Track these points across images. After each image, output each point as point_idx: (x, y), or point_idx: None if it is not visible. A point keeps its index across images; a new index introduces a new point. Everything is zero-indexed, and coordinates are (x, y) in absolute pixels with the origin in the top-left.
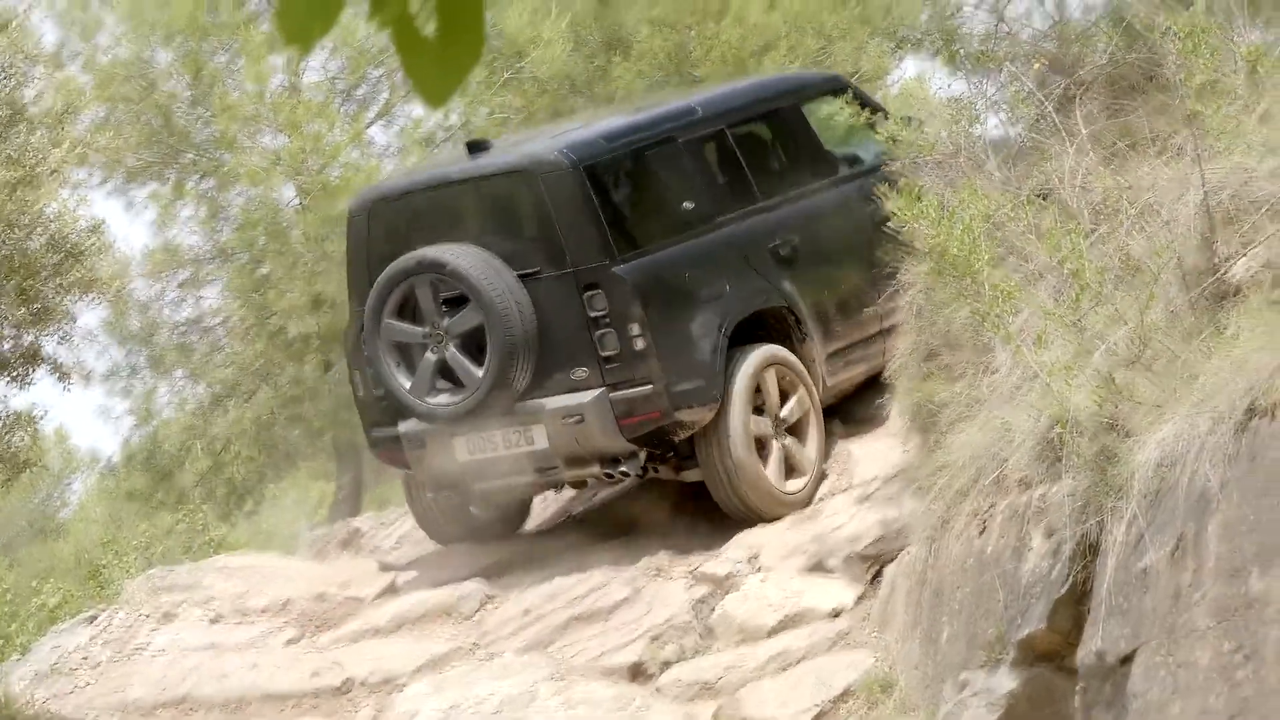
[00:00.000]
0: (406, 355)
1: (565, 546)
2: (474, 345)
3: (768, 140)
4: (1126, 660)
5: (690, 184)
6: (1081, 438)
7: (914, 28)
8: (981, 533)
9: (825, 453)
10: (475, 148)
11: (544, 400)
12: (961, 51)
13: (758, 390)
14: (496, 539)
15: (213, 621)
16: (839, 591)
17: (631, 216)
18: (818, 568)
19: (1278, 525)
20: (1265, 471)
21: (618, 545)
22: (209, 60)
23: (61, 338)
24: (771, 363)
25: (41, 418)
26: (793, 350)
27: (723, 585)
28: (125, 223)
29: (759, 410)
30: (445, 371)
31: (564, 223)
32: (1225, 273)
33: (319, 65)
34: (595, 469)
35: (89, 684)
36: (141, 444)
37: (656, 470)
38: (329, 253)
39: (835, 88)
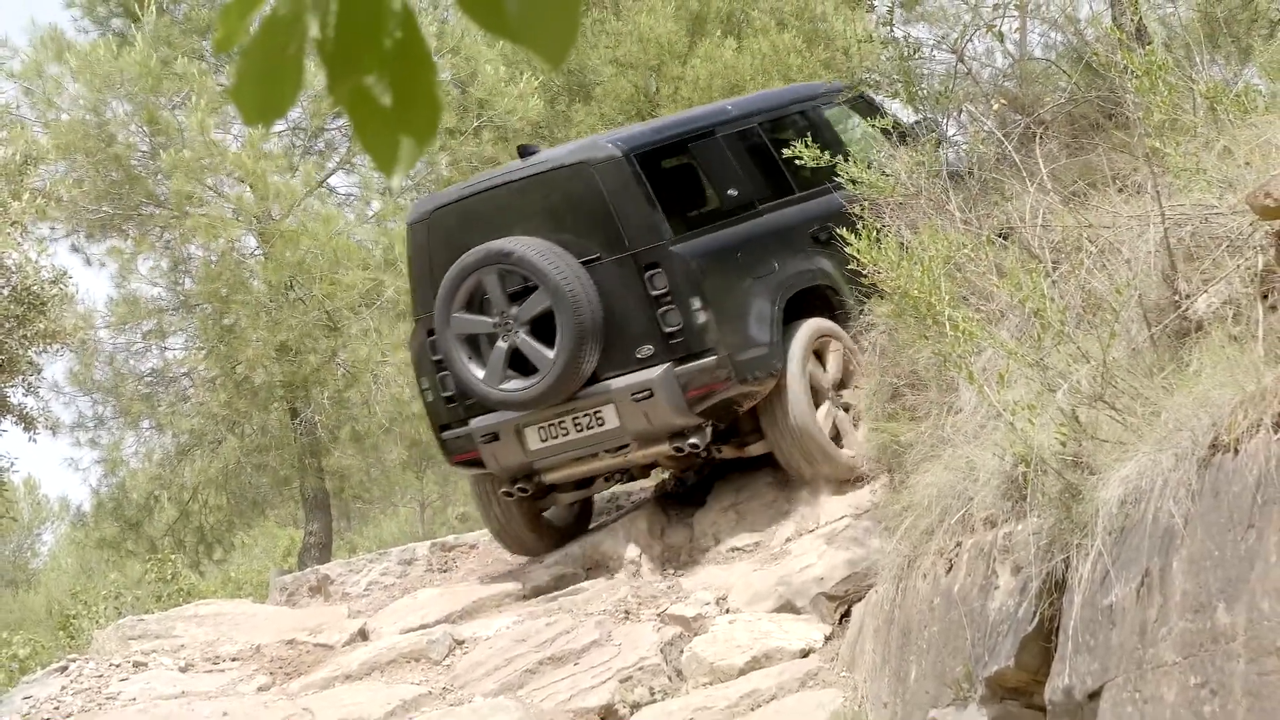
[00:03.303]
0: (476, 347)
1: (533, 590)
2: (543, 330)
3: (800, 138)
4: (1094, 696)
5: (733, 174)
6: (1046, 476)
7: (874, 69)
8: (948, 571)
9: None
10: (525, 151)
11: (612, 380)
12: (922, 91)
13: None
14: (571, 540)
15: (183, 669)
16: (807, 631)
17: (683, 202)
18: (786, 608)
19: (1242, 560)
20: (1229, 506)
21: (586, 588)
22: (164, 112)
23: (27, 388)
24: (823, 334)
25: (9, 468)
26: None
27: (691, 626)
28: (89, 275)
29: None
30: (516, 360)
31: (620, 208)
32: (1187, 309)
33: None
34: (665, 446)
35: None
36: (110, 494)
37: (720, 450)
38: (292, 300)
39: (856, 96)
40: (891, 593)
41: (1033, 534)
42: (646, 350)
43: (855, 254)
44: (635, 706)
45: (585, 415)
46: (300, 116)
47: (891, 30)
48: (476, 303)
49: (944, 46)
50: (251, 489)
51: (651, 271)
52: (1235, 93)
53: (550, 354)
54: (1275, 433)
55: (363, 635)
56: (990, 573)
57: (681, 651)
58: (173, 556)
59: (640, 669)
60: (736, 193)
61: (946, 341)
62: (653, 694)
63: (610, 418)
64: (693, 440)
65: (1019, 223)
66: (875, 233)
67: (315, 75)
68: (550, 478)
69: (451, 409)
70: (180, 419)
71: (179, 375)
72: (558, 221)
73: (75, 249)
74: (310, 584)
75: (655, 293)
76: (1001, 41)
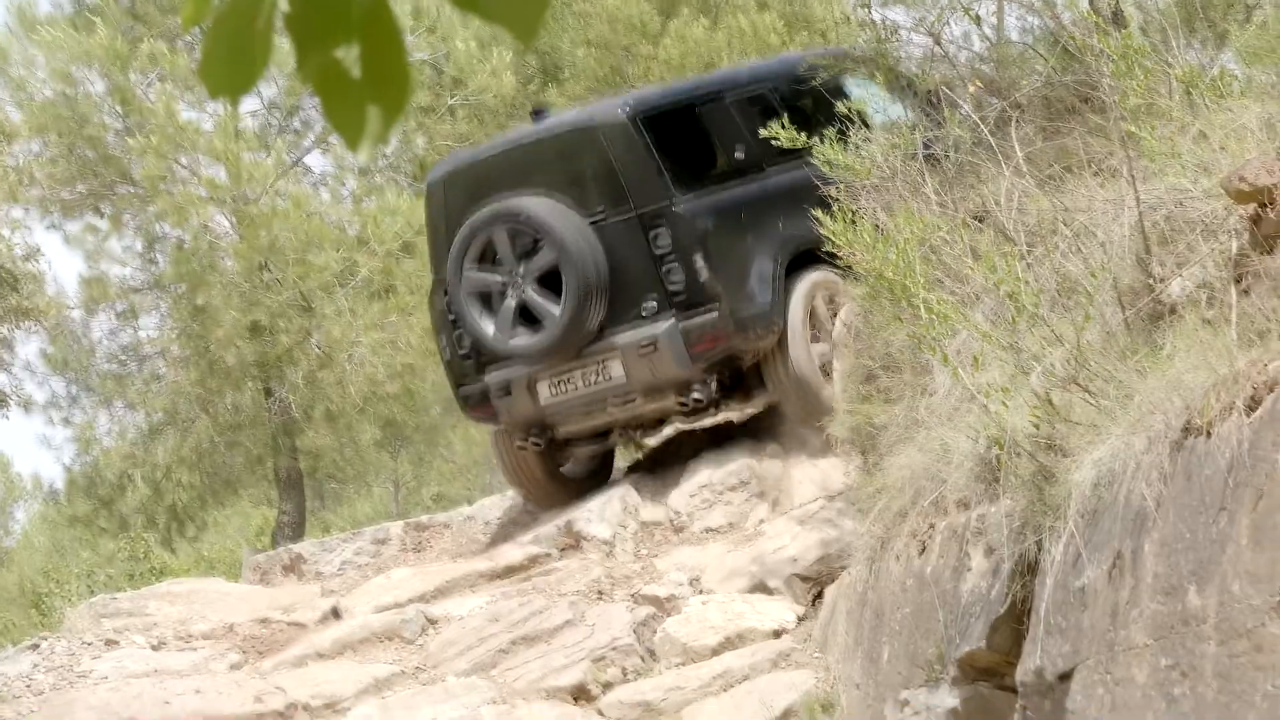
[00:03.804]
0: (488, 302)
1: (507, 570)
2: (551, 286)
3: (807, 102)
4: (1065, 678)
5: (740, 137)
6: (1019, 458)
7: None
8: (921, 553)
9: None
10: (538, 114)
11: (618, 335)
12: (898, 74)
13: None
14: (590, 494)
15: (155, 648)
16: (780, 612)
17: (688, 162)
18: (759, 589)
19: (1214, 542)
20: (1201, 489)
21: (560, 568)
22: (138, 90)
23: None
24: (823, 284)
25: None
26: None
27: (664, 607)
28: (63, 254)
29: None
30: (526, 316)
31: (625, 168)
32: (1160, 293)
33: (253, 93)
34: (670, 400)
35: (32, 711)
36: (83, 472)
37: (729, 404)
38: (265, 281)
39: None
40: (864, 574)
41: (1005, 516)
42: (651, 305)
43: (830, 236)
44: (608, 686)
45: (593, 368)
46: (275, 94)
47: (869, 12)
48: (489, 260)
49: (921, 29)
50: (224, 468)
51: (655, 229)
52: (1211, 77)
53: (556, 308)
54: (1248, 416)
55: (335, 614)
56: (963, 554)
57: (654, 632)
58: (145, 535)
59: (613, 649)
60: (743, 154)
61: (921, 324)
62: (625, 674)
63: (616, 370)
64: (696, 392)
65: (994, 206)
66: (851, 215)
67: (290, 52)
68: (562, 430)
69: (467, 365)
70: (153, 398)
71: (152, 354)
72: (567, 181)
73: (54, 226)
74: (283, 563)
75: (659, 250)
76: (978, 25)
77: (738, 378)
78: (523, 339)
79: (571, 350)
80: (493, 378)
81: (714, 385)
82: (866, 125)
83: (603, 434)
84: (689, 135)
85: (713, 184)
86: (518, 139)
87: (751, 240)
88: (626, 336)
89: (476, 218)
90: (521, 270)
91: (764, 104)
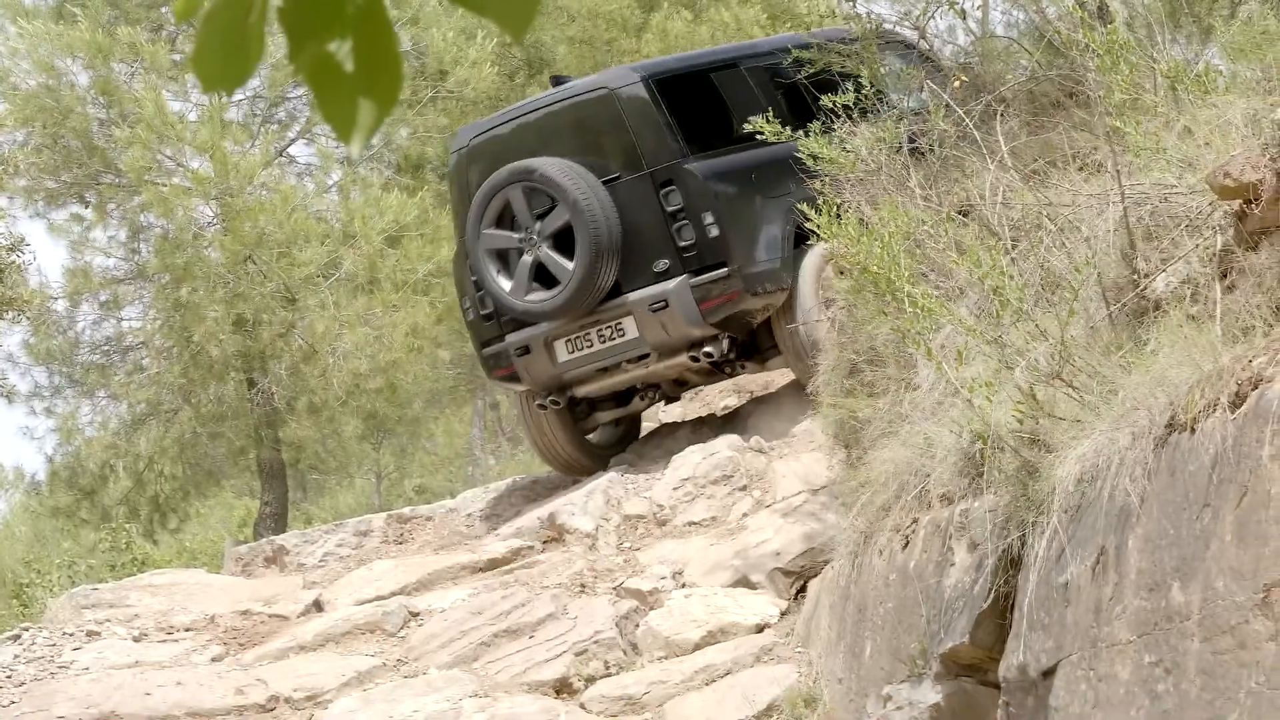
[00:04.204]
0: (506, 261)
1: (489, 563)
2: (566, 245)
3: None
4: (1048, 674)
5: (755, 103)
6: (1003, 453)
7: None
8: (904, 547)
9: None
10: (557, 81)
11: (631, 294)
12: (884, 68)
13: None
14: (613, 460)
15: (137, 639)
16: (763, 606)
17: (700, 125)
18: (742, 583)
19: (1197, 539)
20: (1185, 485)
21: (542, 561)
22: (122, 83)
23: None
24: (835, 255)
25: None
26: None
27: (647, 601)
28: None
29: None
30: (542, 275)
31: (637, 129)
32: (1145, 288)
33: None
34: (683, 356)
35: (13, 702)
36: (65, 463)
37: (744, 366)
38: (250, 273)
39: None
40: (847, 568)
41: (989, 511)
42: (663, 264)
43: (815, 230)
44: (590, 680)
45: (607, 327)
46: (260, 85)
47: (854, 6)
48: (506, 220)
49: (906, 23)
50: (207, 459)
51: (666, 189)
52: (1196, 73)
53: (570, 267)
54: (1232, 412)
55: (318, 606)
56: (946, 549)
57: (637, 625)
58: (127, 526)
59: (595, 642)
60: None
61: (905, 318)
62: (608, 668)
63: (630, 329)
64: (708, 349)
65: (979, 200)
66: (835, 208)
67: (275, 44)
68: (581, 390)
69: (489, 326)
70: (136, 389)
71: (135, 345)
72: (583, 144)
73: (38, 215)
74: (265, 554)
75: (670, 209)
76: (964, 19)
77: (753, 339)
78: (538, 297)
79: (584, 308)
80: (513, 338)
81: (726, 344)
82: (882, 97)
83: (625, 399)
84: (703, 100)
85: (725, 147)
86: (536, 104)
87: (761, 202)
88: (639, 295)
89: (494, 178)
90: (537, 229)
91: (781, 74)
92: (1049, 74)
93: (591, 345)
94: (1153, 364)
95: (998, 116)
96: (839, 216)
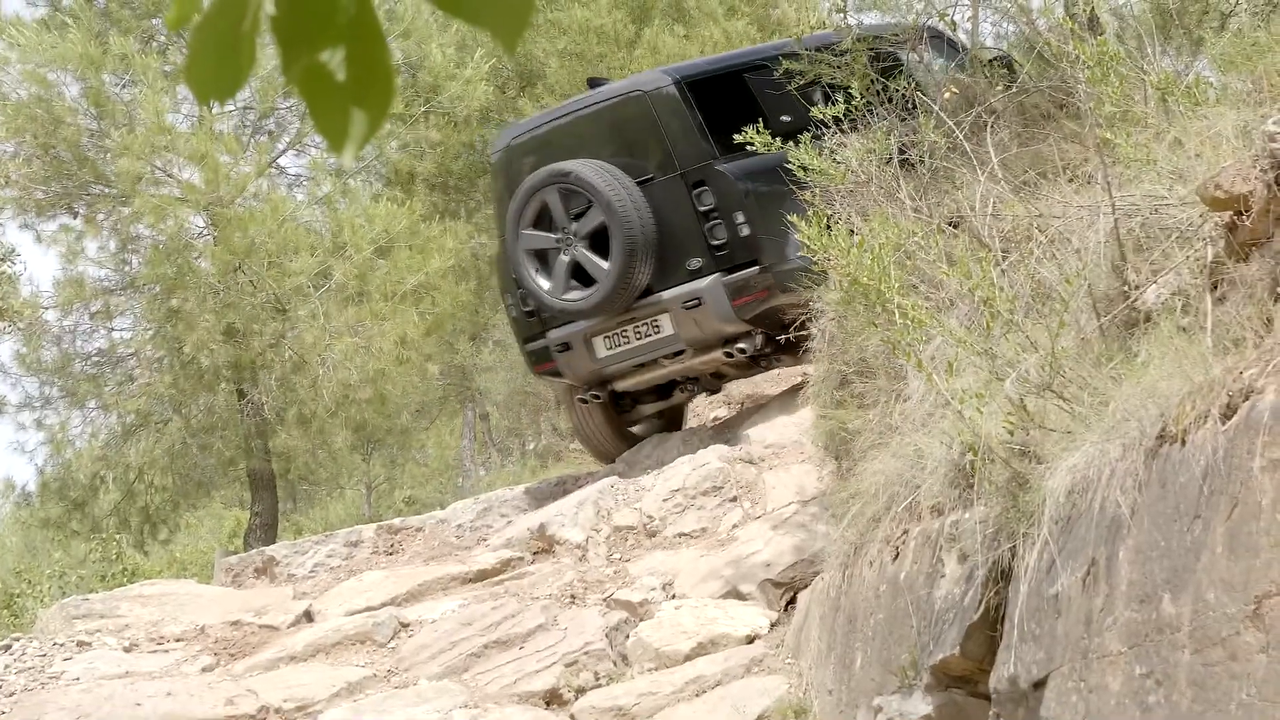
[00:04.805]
0: (545, 261)
1: (479, 574)
2: (601, 245)
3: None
4: (1039, 685)
5: (787, 102)
6: (993, 464)
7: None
8: (895, 559)
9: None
10: (594, 84)
11: (666, 291)
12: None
13: None
14: (604, 470)
15: (127, 649)
16: (753, 617)
17: (732, 126)
18: (732, 594)
19: (1188, 550)
20: (1176, 497)
21: (532, 572)
22: (112, 93)
23: None
24: None
25: None
26: None
27: (637, 611)
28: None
29: None
30: (579, 274)
31: (670, 131)
32: (1136, 300)
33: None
34: (718, 352)
35: (3, 712)
36: (55, 474)
37: (779, 360)
38: (240, 283)
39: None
40: (838, 580)
41: (979, 522)
42: (696, 263)
43: (805, 241)
44: (580, 691)
45: (644, 324)
46: (250, 96)
47: (845, 17)
48: (545, 220)
49: (897, 35)
50: (197, 470)
51: (699, 189)
52: (1186, 84)
53: (606, 265)
54: (1223, 424)
55: (308, 617)
56: (936, 561)
57: (627, 636)
58: (117, 536)
59: (585, 654)
60: (790, 119)
61: (895, 329)
62: (598, 679)
63: (666, 326)
64: (741, 345)
65: (969, 211)
66: (825, 219)
67: (265, 56)
68: (620, 385)
69: (531, 322)
70: (126, 400)
71: (125, 356)
72: (618, 146)
73: (26, 226)
74: (256, 565)
75: (703, 209)
76: (954, 30)
77: (783, 330)
78: (575, 295)
79: (620, 306)
80: (554, 334)
81: (760, 339)
82: (921, 90)
83: (666, 392)
84: (735, 101)
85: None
86: (573, 107)
87: (791, 200)
88: (674, 293)
89: (531, 179)
90: (573, 230)
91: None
92: (1040, 85)
93: (629, 342)
94: (1143, 375)
95: (988, 128)
96: (829, 228)
